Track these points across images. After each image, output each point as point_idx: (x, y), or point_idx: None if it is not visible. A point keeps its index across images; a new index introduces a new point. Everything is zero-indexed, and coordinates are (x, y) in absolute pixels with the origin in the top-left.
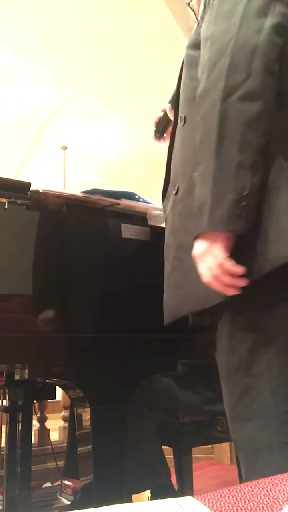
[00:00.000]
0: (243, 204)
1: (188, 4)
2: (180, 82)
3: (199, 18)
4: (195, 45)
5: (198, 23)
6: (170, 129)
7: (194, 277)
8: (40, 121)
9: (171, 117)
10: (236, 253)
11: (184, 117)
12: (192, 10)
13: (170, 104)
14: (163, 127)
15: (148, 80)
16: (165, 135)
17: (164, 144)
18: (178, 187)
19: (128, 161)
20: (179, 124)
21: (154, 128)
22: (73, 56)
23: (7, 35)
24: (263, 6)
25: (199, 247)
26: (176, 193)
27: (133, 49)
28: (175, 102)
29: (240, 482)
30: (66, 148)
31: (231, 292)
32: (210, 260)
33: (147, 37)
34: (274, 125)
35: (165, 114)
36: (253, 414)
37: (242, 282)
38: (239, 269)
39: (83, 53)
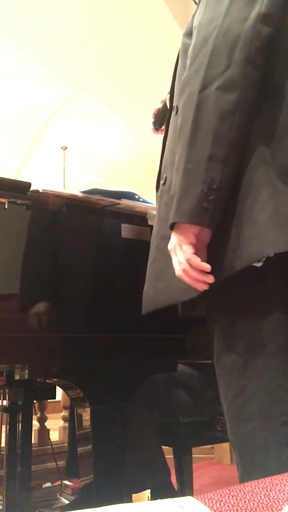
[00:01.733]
0: (210, 197)
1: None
2: (176, 71)
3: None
4: (189, 33)
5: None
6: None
7: (172, 270)
8: (40, 121)
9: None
10: (211, 247)
11: (176, 106)
12: (194, 1)
13: (169, 95)
14: (161, 118)
15: (148, 80)
16: (163, 127)
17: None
18: (166, 177)
19: (128, 161)
20: (172, 113)
21: (153, 120)
22: (73, 56)
23: (7, 35)
24: None
25: (172, 240)
26: (164, 183)
27: (133, 49)
28: (170, 91)
29: (240, 482)
30: (66, 148)
31: (201, 287)
32: (180, 254)
33: (147, 37)
34: (255, 119)
35: (164, 105)
36: (249, 415)
37: (210, 279)
38: (206, 266)
39: (83, 53)
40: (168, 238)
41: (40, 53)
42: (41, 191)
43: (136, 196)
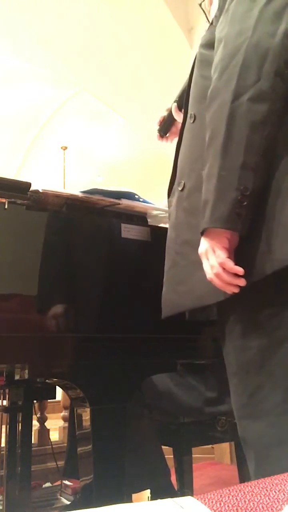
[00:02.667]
0: (244, 204)
1: (200, 5)
2: (191, 80)
3: (212, 18)
4: (209, 45)
5: (211, 23)
6: (173, 128)
7: (197, 273)
8: (40, 121)
9: (176, 116)
10: (240, 252)
11: (194, 114)
12: (203, 10)
13: (175, 104)
14: (167, 126)
15: (148, 80)
16: (168, 134)
17: (165, 144)
18: (184, 183)
19: (128, 161)
20: (189, 121)
21: (158, 127)
22: (73, 56)
23: (7, 35)
24: (278, 11)
25: (203, 244)
26: (182, 190)
27: (133, 49)
28: (184, 99)
29: (240, 482)
30: (66, 148)
31: (232, 290)
32: (212, 258)
33: (147, 37)
34: (281, 128)
35: (170, 113)
36: (265, 412)
37: (242, 282)
38: (239, 269)
39: (83, 53)
40: (189, 243)
41: (40, 53)
42: (41, 191)
43: (136, 196)
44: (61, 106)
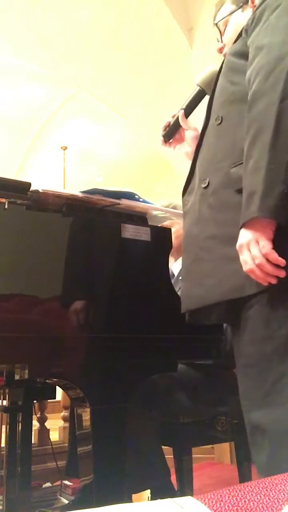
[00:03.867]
0: None
1: (216, 24)
2: (215, 86)
3: (241, 30)
4: (239, 54)
5: (240, 35)
6: (177, 135)
7: (226, 267)
8: (40, 121)
9: (183, 124)
10: (277, 244)
11: (222, 117)
12: (219, 29)
13: (182, 111)
14: (172, 132)
15: (148, 80)
16: (171, 140)
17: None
18: (208, 181)
19: (128, 161)
20: (213, 123)
21: (163, 132)
22: (73, 56)
23: (7, 35)
24: None
25: (245, 236)
26: (206, 187)
27: (133, 49)
28: (208, 104)
29: (240, 482)
30: (66, 148)
31: (271, 281)
32: (255, 249)
33: (147, 37)
34: None
35: (176, 120)
36: (286, 399)
37: (283, 273)
38: (282, 260)
39: (83, 53)
40: (216, 238)
41: (40, 53)
42: (41, 191)
43: (136, 196)
44: (61, 106)
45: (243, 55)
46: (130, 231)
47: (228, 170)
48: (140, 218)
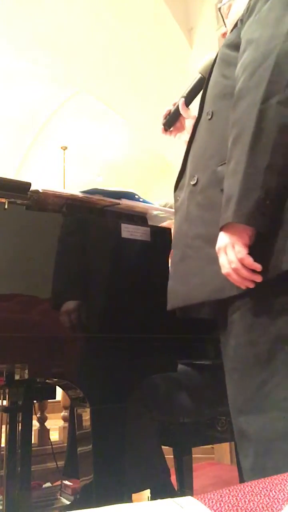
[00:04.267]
0: (267, 203)
1: (219, 9)
2: (210, 78)
3: (237, 21)
4: (233, 46)
5: (236, 25)
6: (178, 124)
7: (211, 267)
8: (40, 121)
9: (183, 112)
10: (257, 249)
11: (212, 112)
12: (221, 14)
13: (183, 99)
14: (172, 120)
15: (148, 80)
16: (172, 129)
17: (165, 144)
18: (197, 178)
19: (128, 161)
20: (205, 118)
21: (163, 120)
22: (73, 56)
23: (7, 35)
24: None
25: (223, 239)
26: (195, 184)
27: (133, 49)
28: (201, 96)
29: (240, 482)
30: (66, 148)
31: (247, 285)
32: (231, 253)
33: (147, 37)
34: None
35: (177, 108)
36: (269, 406)
37: (259, 278)
38: (258, 266)
39: (83, 53)
40: (202, 237)
41: (40, 53)
42: (41, 191)
43: (136, 196)
44: (61, 106)
45: (236, 46)
46: (130, 231)
47: (216, 169)
48: (140, 218)
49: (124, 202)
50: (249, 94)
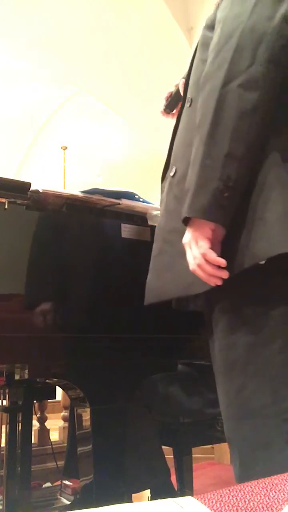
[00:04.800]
0: (225, 195)
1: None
2: (193, 62)
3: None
4: (212, 26)
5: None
6: (179, 106)
7: (183, 262)
8: (40, 121)
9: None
10: (224, 243)
11: (191, 98)
12: None
13: (184, 80)
14: (174, 103)
15: (148, 80)
16: (174, 111)
17: (165, 144)
18: (175, 169)
19: (128, 161)
20: (186, 105)
21: (165, 102)
22: (73, 56)
23: (7, 35)
24: None
25: (187, 234)
26: (174, 175)
27: (133, 49)
28: (185, 83)
29: (238, 482)
30: (66, 148)
31: (214, 282)
32: (195, 249)
33: (147, 37)
34: (273, 118)
35: (178, 90)
36: (251, 413)
37: (225, 274)
38: (221, 261)
39: (83, 53)
40: (178, 231)
41: (40, 53)
42: (41, 191)
43: (136, 196)
44: (61, 106)
45: (214, 28)
46: (130, 231)
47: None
48: (140, 218)
49: (124, 202)
50: (211, 78)
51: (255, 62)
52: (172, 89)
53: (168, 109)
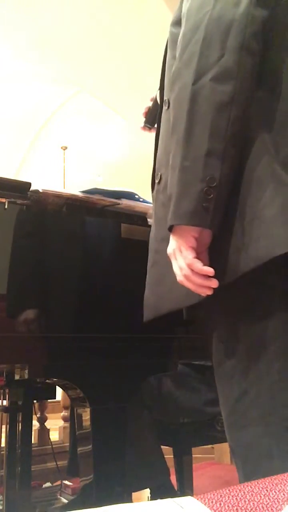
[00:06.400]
0: (210, 196)
1: None
2: (165, 62)
3: None
4: (178, 22)
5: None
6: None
7: (173, 274)
8: (40, 121)
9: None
10: (213, 250)
11: (168, 100)
12: None
13: (159, 90)
14: (153, 117)
15: (148, 80)
16: (155, 125)
17: None
18: (160, 175)
19: (128, 161)
20: (164, 108)
21: (144, 119)
22: (73, 56)
23: (7, 36)
24: None
25: (171, 244)
26: (159, 182)
27: (133, 49)
28: (160, 84)
29: (240, 482)
30: (66, 148)
31: (205, 292)
32: (180, 259)
33: (147, 37)
34: (253, 109)
35: (155, 102)
36: (251, 422)
37: (214, 283)
38: (208, 270)
39: (83, 53)
40: (168, 240)
41: (40, 53)
42: (41, 191)
43: (136, 196)
44: (61, 106)
45: (180, 22)
46: (130, 231)
47: None
48: (140, 218)
49: (124, 202)
50: (180, 75)
51: (226, 52)
52: (150, 104)
53: (149, 124)
